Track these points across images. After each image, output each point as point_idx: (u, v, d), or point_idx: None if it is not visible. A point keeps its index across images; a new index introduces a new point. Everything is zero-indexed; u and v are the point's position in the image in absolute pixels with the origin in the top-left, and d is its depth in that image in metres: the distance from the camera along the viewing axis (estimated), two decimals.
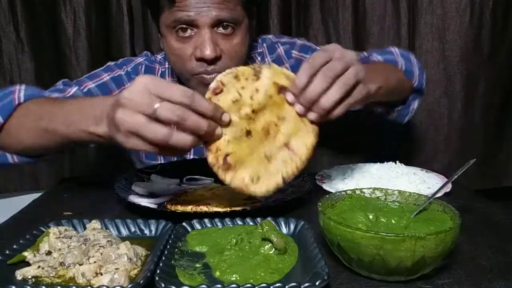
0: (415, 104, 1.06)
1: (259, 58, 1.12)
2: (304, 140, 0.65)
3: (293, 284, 0.47)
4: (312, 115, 0.65)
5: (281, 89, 0.64)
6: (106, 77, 1.03)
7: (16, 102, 0.81)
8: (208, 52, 0.88)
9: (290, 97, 0.65)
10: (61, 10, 1.36)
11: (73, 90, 0.97)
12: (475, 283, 0.52)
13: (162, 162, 1.05)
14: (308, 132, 0.65)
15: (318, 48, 1.10)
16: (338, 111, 0.65)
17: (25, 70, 1.35)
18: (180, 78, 1.00)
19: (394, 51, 1.03)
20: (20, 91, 0.83)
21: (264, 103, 0.64)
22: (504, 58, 1.54)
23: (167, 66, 1.08)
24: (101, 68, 1.07)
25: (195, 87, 0.93)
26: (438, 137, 1.58)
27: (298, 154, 0.64)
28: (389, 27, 1.52)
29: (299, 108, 0.65)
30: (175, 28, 0.90)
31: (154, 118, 0.57)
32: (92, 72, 1.05)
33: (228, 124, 0.63)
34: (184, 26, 0.89)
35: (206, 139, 0.62)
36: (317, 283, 0.47)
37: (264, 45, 1.13)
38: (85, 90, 0.99)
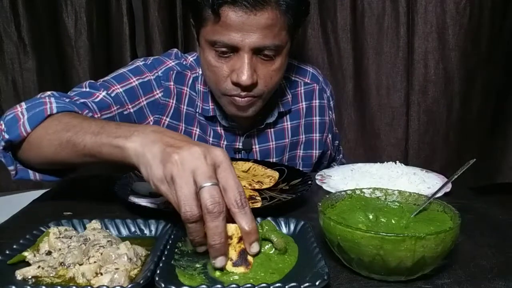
0: None
1: (293, 78, 1.13)
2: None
3: (293, 284, 0.47)
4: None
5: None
6: (134, 81, 0.97)
7: (48, 113, 0.77)
8: (244, 78, 0.87)
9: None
10: (62, 10, 1.37)
11: (102, 94, 0.92)
12: (475, 283, 0.52)
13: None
14: None
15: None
16: None
17: (26, 69, 1.35)
18: (211, 90, 0.99)
19: None
20: (51, 103, 0.79)
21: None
22: (503, 58, 1.54)
23: (199, 72, 1.03)
24: (129, 67, 1.00)
25: (225, 105, 0.96)
26: (437, 137, 1.58)
27: None
28: (388, 27, 1.52)
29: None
30: (215, 46, 0.88)
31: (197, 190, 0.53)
32: (118, 72, 0.99)
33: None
34: (224, 48, 0.87)
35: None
36: (317, 283, 0.47)
37: (310, 73, 1.15)
38: (112, 94, 0.94)
